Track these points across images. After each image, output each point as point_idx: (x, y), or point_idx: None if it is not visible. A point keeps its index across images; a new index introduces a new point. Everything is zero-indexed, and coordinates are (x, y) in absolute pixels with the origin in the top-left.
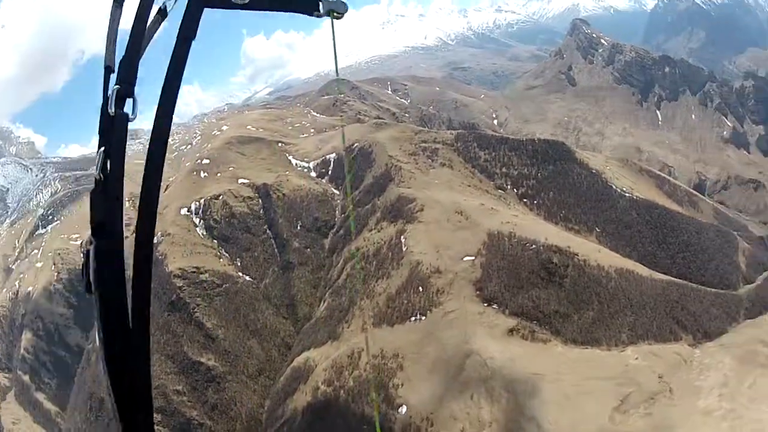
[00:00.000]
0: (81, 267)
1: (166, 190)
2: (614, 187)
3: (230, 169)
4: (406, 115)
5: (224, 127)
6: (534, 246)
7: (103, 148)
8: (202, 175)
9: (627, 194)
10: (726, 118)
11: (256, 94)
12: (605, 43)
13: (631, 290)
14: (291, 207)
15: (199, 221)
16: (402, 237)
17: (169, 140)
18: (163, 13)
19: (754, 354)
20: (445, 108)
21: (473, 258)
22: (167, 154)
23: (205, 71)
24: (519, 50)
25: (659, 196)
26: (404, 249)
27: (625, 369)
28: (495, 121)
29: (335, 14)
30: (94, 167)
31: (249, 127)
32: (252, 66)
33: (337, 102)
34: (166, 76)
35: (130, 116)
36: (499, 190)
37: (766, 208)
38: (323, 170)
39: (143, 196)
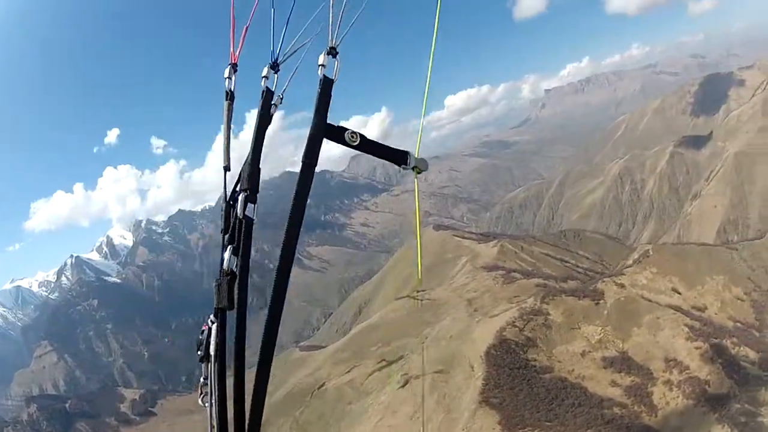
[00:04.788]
0: (197, 341)
1: None
2: None
3: None
4: None
5: None
6: None
7: (232, 246)
8: None
9: None
10: None
11: None
12: None
13: None
14: None
15: None
16: None
17: None
18: (273, 106)
19: None
20: None
21: None
22: None
23: None
24: None
25: None
26: None
27: None
28: None
29: (418, 170)
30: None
31: None
32: None
33: None
34: (293, 200)
35: (254, 220)
36: None
37: None
38: None
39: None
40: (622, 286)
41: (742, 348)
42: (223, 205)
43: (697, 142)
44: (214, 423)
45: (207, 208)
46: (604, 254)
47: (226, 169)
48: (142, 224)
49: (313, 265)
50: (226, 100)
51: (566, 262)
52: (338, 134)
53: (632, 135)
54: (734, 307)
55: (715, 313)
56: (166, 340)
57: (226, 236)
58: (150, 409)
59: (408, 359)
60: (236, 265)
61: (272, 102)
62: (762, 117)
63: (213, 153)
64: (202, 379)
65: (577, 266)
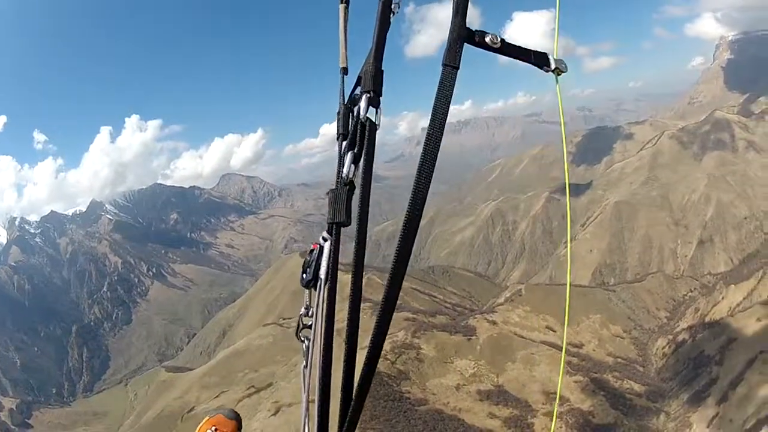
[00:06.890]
0: (305, 264)
1: None
2: None
3: None
4: None
5: None
6: None
7: (352, 152)
8: None
9: None
10: None
11: None
12: None
13: None
14: None
15: None
16: None
17: None
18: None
19: None
20: None
21: None
22: None
23: None
24: None
25: None
26: None
27: None
28: None
29: (558, 71)
30: (341, 167)
31: None
32: None
33: None
34: (434, 103)
35: (378, 126)
36: None
37: None
38: None
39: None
40: (494, 323)
41: (625, 381)
42: (341, 109)
43: (576, 189)
44: (313, 359)
45: (77, 212)
46: (473, 291)
47: (344, 71)
48: (17, 222)
49: (177, 283)
50: (341, 3)
51: (434, 297)
52: (480, 38)
53: (507, 179)
54: (613, 344)
55: (593, 350)
56: (36, 349)
57: (344, 143)
58: (26, 420)
59: (277, 387)
60: (355, 173)
61: (391, 7)
62: (648, 170)
63: (89, 154)
64: (303, 309)
65: (446, 301)
